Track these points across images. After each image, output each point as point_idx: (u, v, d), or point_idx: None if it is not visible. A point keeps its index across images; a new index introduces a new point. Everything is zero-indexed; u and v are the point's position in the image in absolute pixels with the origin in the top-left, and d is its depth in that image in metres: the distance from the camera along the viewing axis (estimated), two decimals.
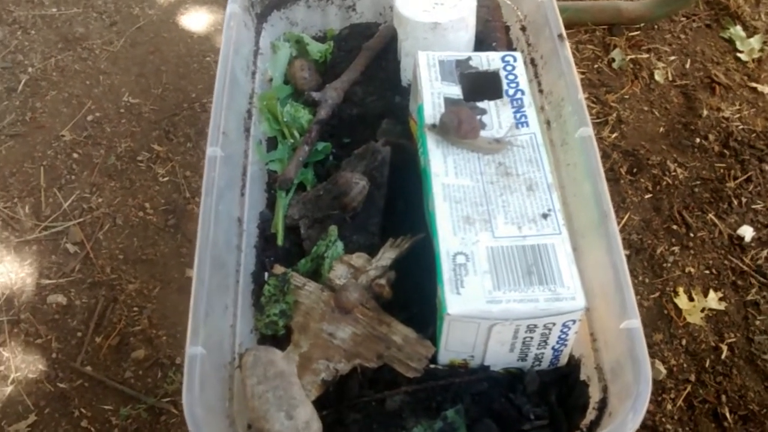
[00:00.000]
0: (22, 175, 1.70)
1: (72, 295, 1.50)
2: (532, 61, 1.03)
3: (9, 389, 1.37)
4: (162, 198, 1.66)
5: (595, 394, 0.76)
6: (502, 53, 0.93)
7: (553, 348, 0.76)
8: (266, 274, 0.88)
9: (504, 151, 0.82)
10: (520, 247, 0.75)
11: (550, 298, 0.71)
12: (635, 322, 0.71)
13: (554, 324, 0.72)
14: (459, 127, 0.81)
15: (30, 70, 1.92)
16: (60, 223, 1.61)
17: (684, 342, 1.44)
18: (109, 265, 1.54)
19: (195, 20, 2.06)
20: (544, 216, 0.77)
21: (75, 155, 1.74)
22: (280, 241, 0.92)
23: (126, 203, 1.65)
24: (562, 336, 0.74)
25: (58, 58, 1.96)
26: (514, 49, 1.08)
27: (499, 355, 0.76)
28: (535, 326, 0.72)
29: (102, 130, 1.79)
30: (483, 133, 0.83)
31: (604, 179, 0.81)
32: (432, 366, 0.78)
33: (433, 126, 0.84)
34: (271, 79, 1.07)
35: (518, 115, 0.86)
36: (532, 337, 0.74)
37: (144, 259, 1.56)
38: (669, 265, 1.54)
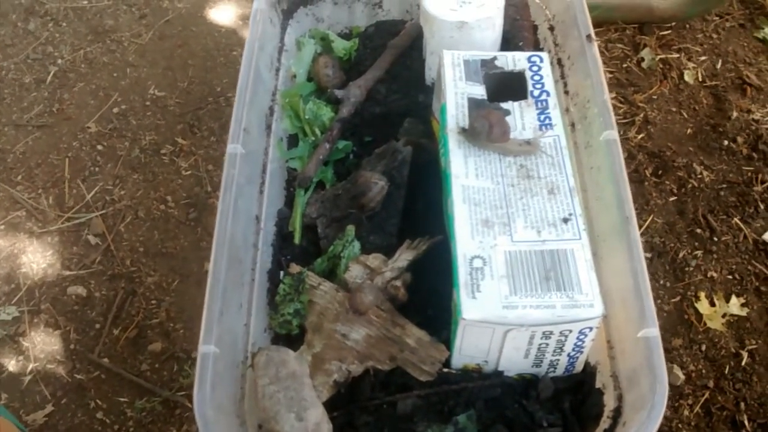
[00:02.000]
0: (47, 166, 1.71)
1: (92, 287, 1.51)
2: (559, 61, 1.01)
3: (27, 379, 1.39)
4: (184, 191, 1.66)
5: (609, 403, 0.74)
6: (528, 53, 0.91)
7: (568, 355, 0.74)
8: (282, 273, 0.87)
9: (529, 154, 0.81)
10: (538, 251, 0.73)
11: (567, 304, 0.70)
12: (653, 331, 0.70)
13: (570, 331, 0.71)
14: (490, 131, 0.80)
15: (59, 61, 1.94)
16: (83, 215, 1.62)
17: (704, 347, 1.42)
18: (129, 257, 1.55)
19: (223, 14, 2.06)
20: (565, 221, 0.76)
21: (100, 147, 1.75)
22: (297, 240, 0.91)
23: (148, 196, 1.66)
24: (579, 343, 0.73)
25: (87, 50, 1.97)
26: (541, 49, 1.06)
27: (514, 361, 0.75)
28: (551, 333, 0.71)
29: (127, 122, 1.80)
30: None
31: (628, 184, 0.80)
32: (445, 370, 0.77)
33: (463, 130, 0.83)
34: (294, 76, 1.06)
35: (542, 117, 0.85)
36: (547, 344, 0.72)
37: (164, 252, 1.56)
38: (691, 269, 1.52)
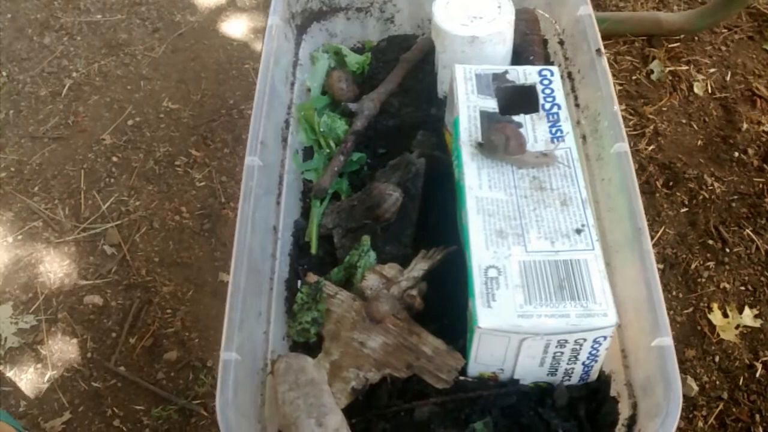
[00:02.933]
0: (63, 177, 1.74)
1: (108, 296, 1.53)
2: (570, 75, 1.03)
3: (45, 386, 1.41)
4: (198, 202, 1.68)
5: (624, 411, 0.75)
6: (539, 67, 0.93)
7: (583, 363, 0.75)
8: (299, 282, 0.89)
9: (547, 165, 0.82)
10: (552, 261, 0.75)
11: (581, 313, 0.71)
12: (667, 340, 0.71)
13: (585, 340, 0.72)
14: (507, 144, 0.81)
15: (74, 74, 1.97)
16: (98, 225, 1.65)
17: (717, 359, 1.42)
18: (144, 267, 1.57)
19: (234, 27, 2.09)
20: (578, 231, 0.77)
21: (114, 159, 1.77)
22: (313, 250, 0.93)
23: (163, 207, 1.68)
24: (593, 352, 0.74)
25: (101, 63, 2.00)
26: (552, 63, 1.08)
27: (529, 369, 0.76)
28: (566, 341, 0.72)
29: (141, 134, 1.82)
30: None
31: (639, 196, 0.81)
32: (461, 378, 0.78)
33: (479, 144, 0.84)
34: (309, 90, 1.08)
35: (554, 130, 0.86)
36: (562, 352, 0.74)
37: (179, 262, 1.58)
38: (704, 280, 1.53)
